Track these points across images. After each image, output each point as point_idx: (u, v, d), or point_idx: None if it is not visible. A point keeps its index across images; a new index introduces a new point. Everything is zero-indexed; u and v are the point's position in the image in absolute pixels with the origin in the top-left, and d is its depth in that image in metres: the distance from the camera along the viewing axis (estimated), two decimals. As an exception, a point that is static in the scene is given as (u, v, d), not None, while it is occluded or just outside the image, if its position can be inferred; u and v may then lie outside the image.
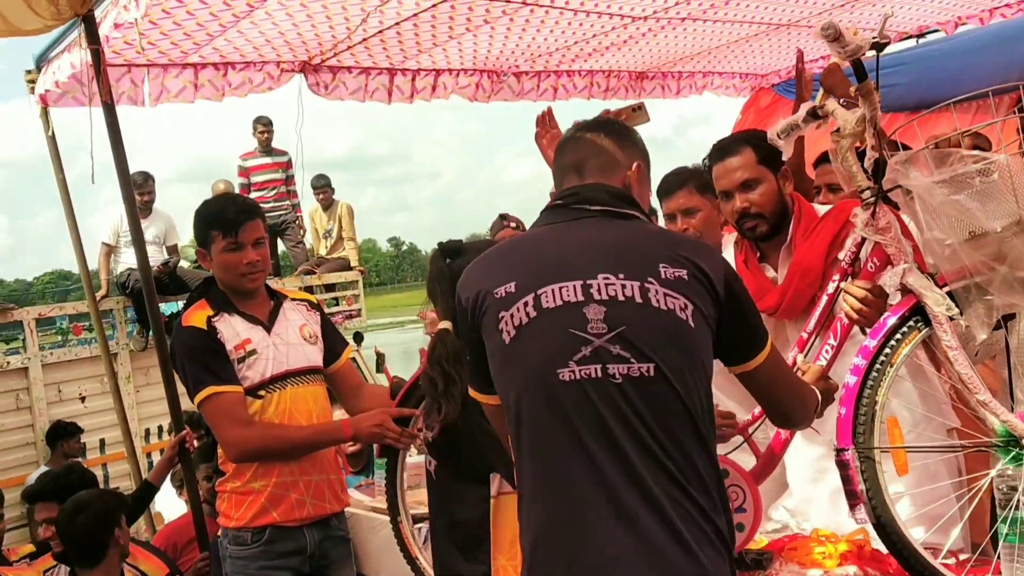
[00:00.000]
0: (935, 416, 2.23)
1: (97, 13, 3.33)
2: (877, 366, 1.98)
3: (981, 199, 1.78)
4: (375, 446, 2.70)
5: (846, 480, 1.96)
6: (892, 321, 2.00)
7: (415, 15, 3.93)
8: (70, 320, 6.85)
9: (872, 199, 2.00)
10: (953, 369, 1.93)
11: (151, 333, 4.09)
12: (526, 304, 1.55)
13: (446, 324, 2.13)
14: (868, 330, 2.04)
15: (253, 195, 8.11)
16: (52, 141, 4.21)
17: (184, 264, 6.93)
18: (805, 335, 2.22)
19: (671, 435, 1.51)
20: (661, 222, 2.99)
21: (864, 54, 1.90)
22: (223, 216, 2.63)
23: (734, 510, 2.14)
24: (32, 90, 4.13)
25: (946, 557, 2.03)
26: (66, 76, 3.71)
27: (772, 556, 2.26)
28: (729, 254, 2.64)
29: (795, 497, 2.52)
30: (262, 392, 2.58)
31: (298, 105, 4.62)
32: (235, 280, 2.64)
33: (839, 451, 1.98)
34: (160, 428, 6.51)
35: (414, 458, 3.55)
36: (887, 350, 1.99)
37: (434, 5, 3.83)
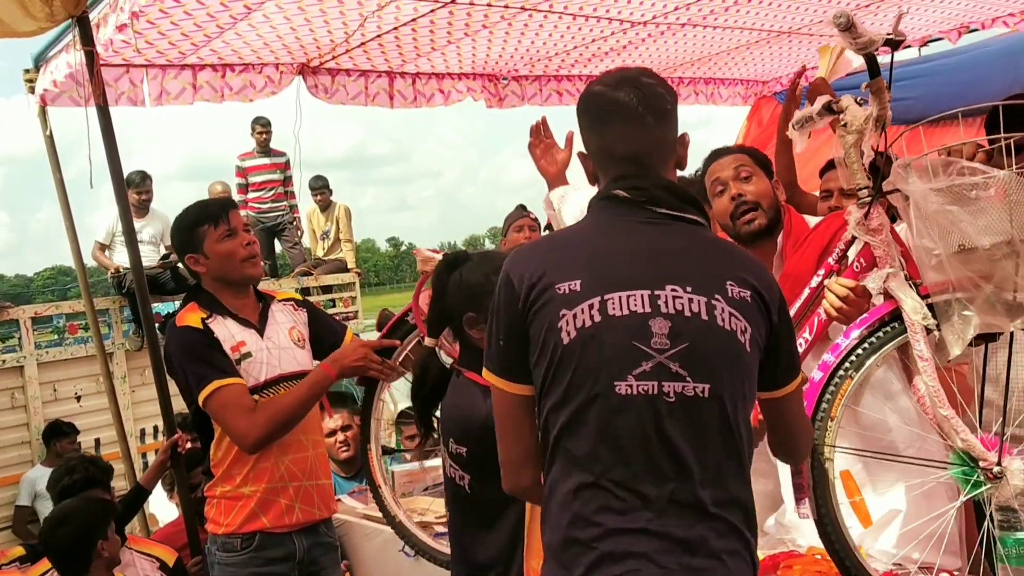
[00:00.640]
0: (929, 433, 2.21)
1: (93, 15, 3.33)
2: (845, 365, 1.99)
3: (974, 213, 1.75)
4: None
5: (795, 473, 1.99)
6: (869, 323, 1.99)
7: (413, 20, 3.92)
8: (66, 319, 6.83)
9: (868, 199, 1.99)
10: (921, 380, 1.91)
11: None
12: (591, 307, 1.49)
13: (431, 343, 2.08)
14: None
15: (251, 195, 8.13)
16: (50, 140, 4.21)
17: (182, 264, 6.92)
18: None
19: (712, 457, 1.49)
20: None
21: (877, 49, 1.87)
22: (208, 210, 2.63)
23: None
24: (31, 89, 4.13)
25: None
26: (63, 76, 3.71)
27: None
28: None
29: (790, 513, 2.50)
30: (256, 397, 2.55)
31: (296, 107, 4.62)
32: (238, 268, 2.61)
33: None
34: (155, 428, 6.50)
35: (405, 466, 3.55)
36: (859, 351, 1.98)
37: (432, 11, 3.82)
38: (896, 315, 1.97)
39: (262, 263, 2.70)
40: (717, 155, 2.54)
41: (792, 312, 2.18)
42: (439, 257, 2.31)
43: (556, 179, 2.88)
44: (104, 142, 3.24)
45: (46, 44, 3.89)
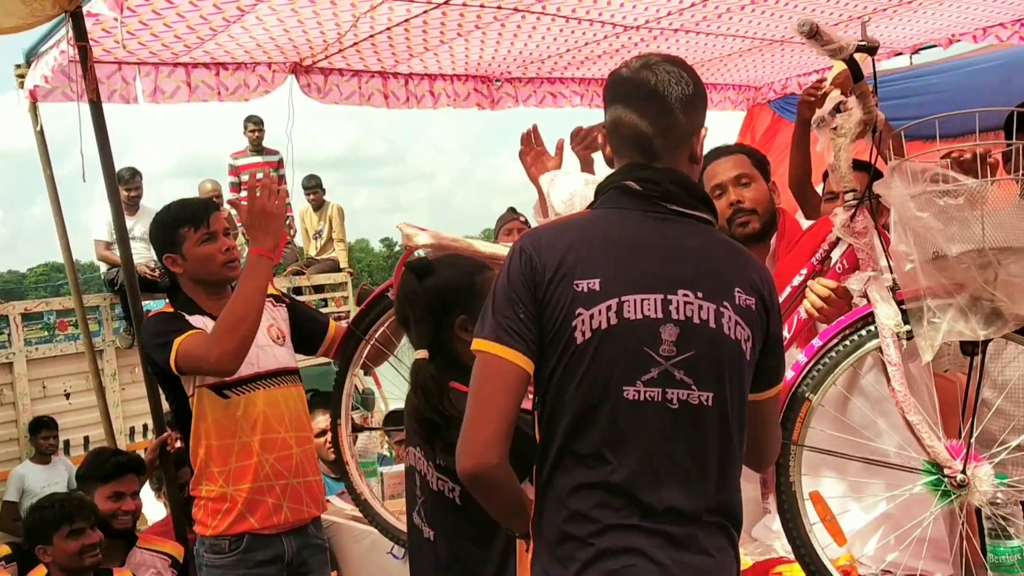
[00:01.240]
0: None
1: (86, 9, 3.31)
2: (818, 367, 2.00)
3: (945, 220, 1.75)
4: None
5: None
6: (845, 325, 2.00)
7: (406, 20, 3.92)
8: (57, 315, 6.80)
9: (855, 202, 2.01)
10: (889, 385, 1.91)
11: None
12: (609, 308, 1.47)
13: (422, 354, 1.98)
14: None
15: (244, 194, 8.08)
16: (40, 136, 4.18)
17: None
18: None
19: (709, 463, 1.50)
20: None
21: (850, 54, 1.88)
22: (189, 211, 2.61)
23: None
24: (21, 84, 4.11)
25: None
26: (55, 71, 3.69)
27: None
28: None
29: (778, 520, 2.51)
30: (227, 392, 2.55)
31: (289, 106, 4.62)
32: (216, 271, 2.60)
33: None
34: (145, 427, 6.48)
35: (395, 468, 3.54)
36: (833, 353, 1.99)
37: (425, 11, 3.82)
38: (871, 319, 1.98)
39: (240, 264, 2.67)
40: (717, 154, 2.54)
41: None
42: (423, 234, 2.27)
43: None
44: (96, 138, 3.23)
45: (38, 39, 3.87)
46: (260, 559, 2.58)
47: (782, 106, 6.19)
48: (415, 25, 4.03)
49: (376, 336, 2.64)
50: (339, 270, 8.32)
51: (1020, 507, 1.92)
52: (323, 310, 7.82)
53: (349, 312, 8.13)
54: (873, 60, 1.92)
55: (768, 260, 2.48)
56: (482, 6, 3.86)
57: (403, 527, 2.56)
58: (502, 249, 2.39)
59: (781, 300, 2.18)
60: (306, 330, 2.81)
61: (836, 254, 2.11)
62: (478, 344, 1.53)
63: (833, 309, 2.07)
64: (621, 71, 1.62)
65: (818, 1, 4.33)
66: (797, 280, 2.18)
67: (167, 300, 2.68)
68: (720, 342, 1.49)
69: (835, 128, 1.97)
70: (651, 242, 1.53)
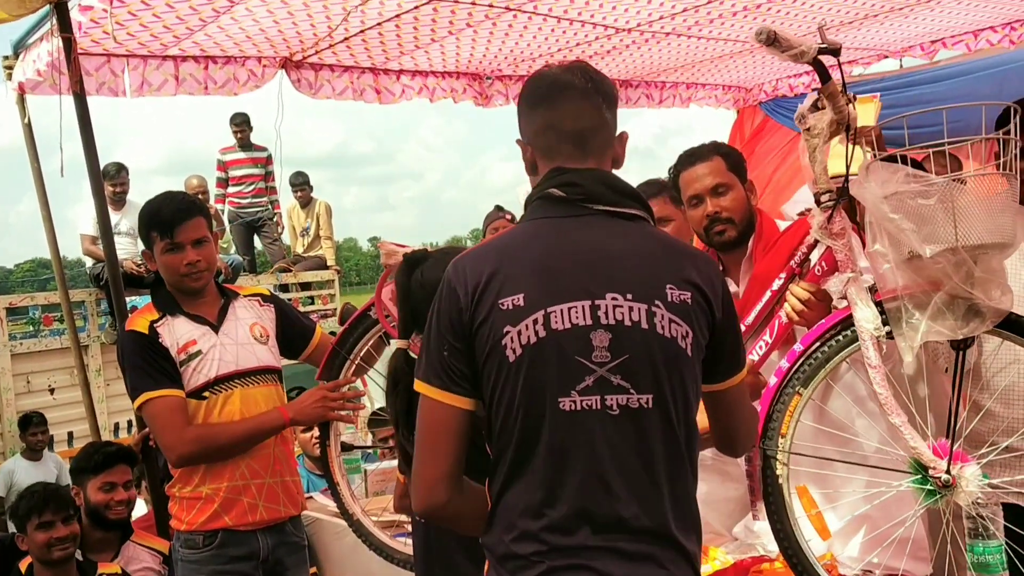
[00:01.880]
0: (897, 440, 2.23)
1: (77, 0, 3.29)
2: (800, 371, 2.00)
3: (917, 221, 1.74)
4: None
5: (749, 475, 2.04)
6: (825, 329, 2.00)
7: (397, 16, 3.91)
8: (42, 310, 6.75)
9: (831, 203, 2.00)
10: (871, 387, 1.92)
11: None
12: (535, 322, 1.47)
13: (402, 344, 2.04)
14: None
15: (231, 190, 8.08)
16: (28, 129, 4.14)
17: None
18: (743, 328, 2.20)
19: (657, 467, 1.49)
20: None
21: (812, 58, 1.87)
22: (159, 217, 2.58)
23: None
24: (9, 76, 4.07)
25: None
26: (43, 64, 3.66)
27: None
28: None
29: (759, 519, 2.51)
30: (206, 393, 2.54)
31: (278, 102, 4.59)
32: (176, 281, 2.61)
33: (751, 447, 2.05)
34: (130, 423, 6.43)
35: (380, 464, 3.53)
36: (816, 356, 1.99)
37: (416, 7, 3.81)
38: (851, 322, 1.98)
39: (208, 275, 2.65)
40: (692, 160, 2.51)
41: (753, 314, 2.21)
42: (404, 251, 2.30)
43: None
44: (80, 131, 3.21)
45: (26, 31, 3.83)
46: (234, 555, 2.56)
47: (773, 108, 6.21)
48: (406, 22, 4.02)
49: (360, 355, 2.64)
50: (326, 267, 8.30)
51: (1001, 508, 1.92)
52: (309, 307, 7.81)
53: (335, 309, 8.13)
54: (839, 62, 1.92)
55: (745, 262, 2.48)
56: (473, 3, 3.85)
57: (396, 545, 2.57)
58: None
59: (760, 305, 2.19)
60: (291, 334, 2.81)
61: (814, 256, 2.11)
62: (417, 385, 1.55)
63: (813, 312, 2.07)
64: (544, 75, 1.61)
65: (805, 8, 4.34)
66: (776, 284, 2.18)
67: (152, 296, 2.68)
68: (654, 342, 1.48)
69: (808, 129, 1.97)
70: (576, 248, 1.52)
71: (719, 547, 2.52)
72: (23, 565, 3.06)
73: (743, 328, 2.21)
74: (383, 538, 2.68)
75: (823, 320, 2.02)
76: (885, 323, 1.90)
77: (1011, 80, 4.74)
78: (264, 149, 8.06)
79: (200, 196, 7.05)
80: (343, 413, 2.61)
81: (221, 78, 4.25)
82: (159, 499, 3.26)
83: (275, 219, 8.20)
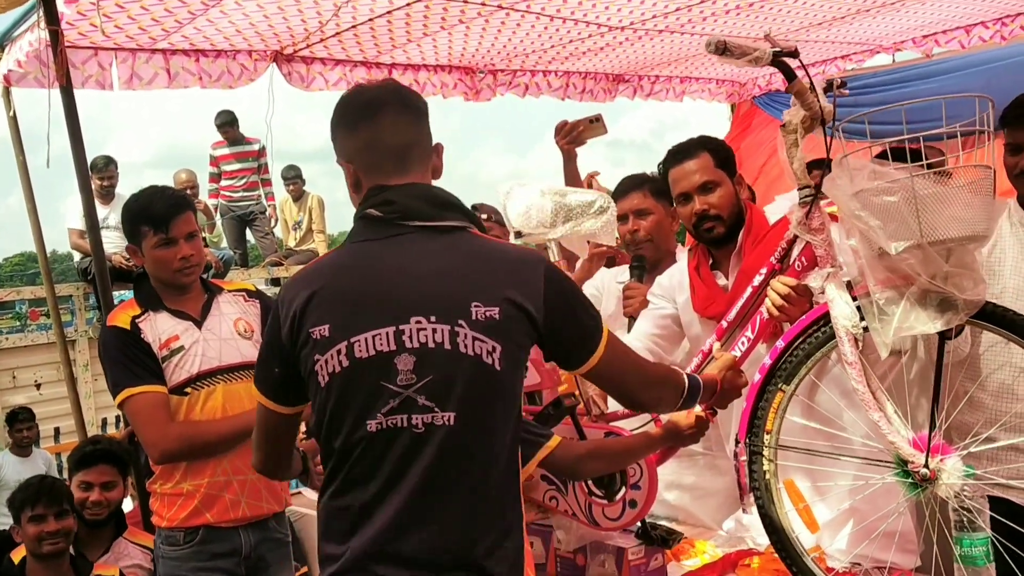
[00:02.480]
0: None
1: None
2: (781, 368, 2.01)
3: (883, 218, 1.74)
4: None
5: (736, 471, 2.06)
6: (806, 324, 2.01)
7: (388, 12, 3.88)
8: (29, 304, 6.71)
9: (809, 198, 2.00)
10: (850, 383, 1.92)
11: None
12: (339, 352, 1.55)
13: None
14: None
15: (223, 184, 8.04)
16: (13, 122, 4.11)
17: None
18: (725, 324, 2.23)
19: (470, 479, 1.56)
20: None
21: (769, 61, 1.90)
22: (152, 211, 2.53)
23: (629, 486, 2.16)
24: (-6, 68, 4.03)
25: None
26: (28, 57, 3.62)
27: (680, 536, 2.30)
28: (683, 262, 2.65)
29: (749, 514, 2.51)
30: (188, 389, 2.51)
31: (269, 95, 4.56)
32: (169, 276, 2.57)
33: (736, 443, 2.07)
34: (118, 418, 6.40)
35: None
36: (796, 352, 2.01)
37: (408, 3, 3.78)
38: (827, 318, 1.98)
39: (199, 269, 2.63)
40: (680, 157, 2.50)
41: (735, 310, 2.22)
42: None
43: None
44: (67, 125, 3.18)
45: (12, 23, 3.79)
46: (216, 552, 2.53)
47: (767, 102, 6.22)
48: (398, 17, 3.99)
49: None
50: (318, 262, 8.26)
51: (987, 500, 1.92)
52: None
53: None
54: (801, 61, 1.94)
55: (734, 256, 2.48)
56: (465, 1, 3.83)
57: None
58: None
59: (742, 301, 2.19)
60: None
61: (795, 252, 2.11)
62: (255, 391, 1.74)
63: (795, 307, 2.06)
64: (357, 94, 1.68)
65: (797, 4, 4.34)
66: (757, 280, 2.18)
67: (134, 291, 2.63)
68: (457, 362, 1.53)
69: (783, 126, 1.99)
70: (383, 276, 1.58)
71: (708, 541, 2.53)
72: (16, 556, 3.04)
73: (725, 324, 2.23)
74: None
75: (804, 316, 2.03)
76: (863, 318, 1.90)
77: (1002, 75, 4.75)
78: (256, 141, 8.02)
79: (189, 191, 7.01)
80: None
81: (215, 71, 4.22)
82: (144, 495, 3.24)
83: (266, 213, 8.16)
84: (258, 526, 2.61)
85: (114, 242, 6.30)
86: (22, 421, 5.71)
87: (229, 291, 2.73)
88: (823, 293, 1.98)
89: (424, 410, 1.54)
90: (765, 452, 2.01)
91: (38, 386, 6.34)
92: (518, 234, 2.48)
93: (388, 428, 1.54)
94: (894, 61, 5.69)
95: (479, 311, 1.54)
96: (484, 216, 4.27)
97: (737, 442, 2.08)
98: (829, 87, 1.99)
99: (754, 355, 2.19)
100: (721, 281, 2.51)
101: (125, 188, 6.94)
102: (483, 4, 3.88)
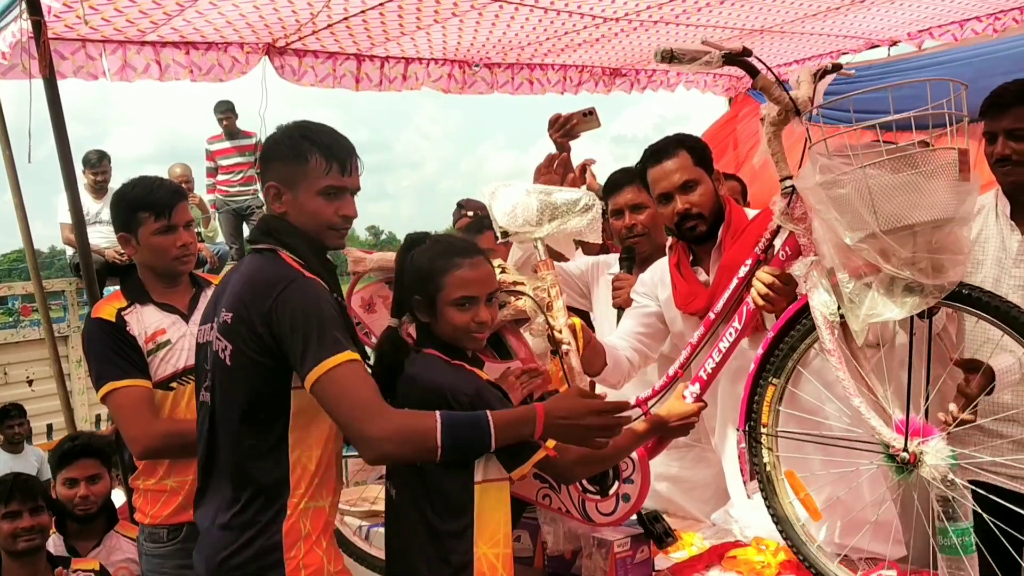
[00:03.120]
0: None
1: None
2: (773, 356, 2.04)
3: (839, 210, 1.76)
4: None
5: (739, 457, 2.12)
6: (793, 313, 2.02)
7: (381, 4, 3.85)
8: (22, 300, 6.67)
9: (790, 188, 2.01)
10: (832, 371, 1.93)
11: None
12: (194, 336, 2.14)
13: (392, 322, 2.07)
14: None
15: (220, 178, 8.02)
16: (-1, 117, 4.07)
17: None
18: (712, 316, 2.24)
19: (219, 450, 1.95)
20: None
21: (722, 63, 1.95)
22: (154, 198, 2.50)
23: (622, 481, 2.17)
24: (-23, 61, 3.99)
25: (888, 568, 2.05)
26: (11, 48, 3.58)
27: (674, 534, 2.30)
28: (665, 258, 2.65)
29: (738, 506, 2.50)
30: (174, 384, 2.49)
31: (262, 88, 4.53)
32: (167, 264, 2.53)
33: (738, 431, 2.14)
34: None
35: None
36: (782, 345, 2.03)
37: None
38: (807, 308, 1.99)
39: (195, 259, 2.62)
40: (659, 157, 2.49)
41: (722, 302, 2.23)
42: (370, 258, 2.31)
43: None
44: (51, 116, 3.15)
45: (-3, 14, 3.76)
46: None
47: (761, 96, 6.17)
48: (390, 10, 3.96)
49: None
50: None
51: (969, 489, 1.90)
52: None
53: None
54: (759, 57, 1.99)
55: (715, 252, 2.49)
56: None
57: (382, 555, 2.52)
58: None
59: (728, 293, 2.22)
60: None
61: (778, 242, 2.12)
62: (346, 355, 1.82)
63: (780, 297, 2.07)
64: (292, 134, 2.03)
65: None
66: (743, 271, 2.19)
67: (121, 284, 2.60)
68: (209, 353, 1.96)
69: (762, 119, 2.02)
70: (223, 284, 2.02)
71: (696, 533, 2.53)
72: None
73: (712, 316, 2.24)
74: (372, 551, 2.61)
75: (790, 307, 2.04)
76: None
77: (995, 67, 4.73)
78: (252, 135, 7.99)
79: (184, 185, 6.98)
80: None
81: (206, 64, 4.19)
82: (129, 491, 3.22)
83: (263, 207, 8.13)
84: None
85: (107, 237, 6.26)
86: (13, 417, 5.65)
87: (215, 285, 2.70)
88: (807, 282, 1.98)
89: (208, 389, 2.01)
90: (764, 440, 2.04)
91: (30, 382, 6.31)
92: (504, 233, 2.46)
93: (201, 401, 2.05)
94: (889, 55, 5.67)
95: (224, 315, 1.93)
96: (469, 212, 4.24)
97: (738, 431, 2.12)
98: (824, 73, 2.02)
99: (737, 350, 2.22)
100: (702, 277, 2.51)
101: (118, 183, 6.90)
102: (476, -4, 3.86)
